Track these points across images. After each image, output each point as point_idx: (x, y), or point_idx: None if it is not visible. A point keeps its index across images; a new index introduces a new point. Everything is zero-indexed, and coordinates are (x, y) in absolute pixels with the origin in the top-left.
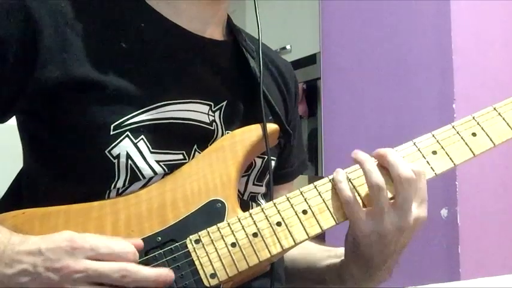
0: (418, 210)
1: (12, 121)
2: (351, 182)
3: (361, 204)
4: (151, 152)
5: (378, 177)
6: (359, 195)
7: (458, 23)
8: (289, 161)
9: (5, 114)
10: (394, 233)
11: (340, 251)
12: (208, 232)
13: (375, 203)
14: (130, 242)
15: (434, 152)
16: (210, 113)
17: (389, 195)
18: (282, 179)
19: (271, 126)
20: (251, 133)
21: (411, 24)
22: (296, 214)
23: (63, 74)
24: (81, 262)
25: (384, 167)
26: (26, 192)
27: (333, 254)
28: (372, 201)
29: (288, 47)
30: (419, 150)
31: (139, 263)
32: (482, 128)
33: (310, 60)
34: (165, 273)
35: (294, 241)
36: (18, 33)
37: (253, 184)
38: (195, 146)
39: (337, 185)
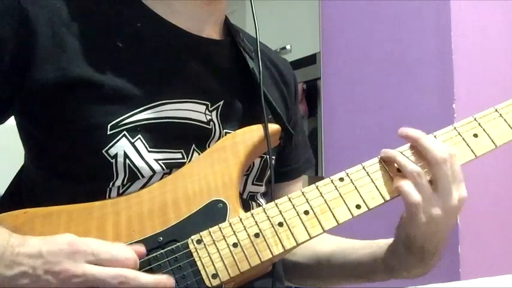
0: (459, 190)
1: (12, 121)
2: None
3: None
4: (149, 151)
5: (443, 151)
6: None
7: (458, 23)
8: (292, 158)
9: (3, 115)
10: (443, 216)
11: (382, 242)
12: (210, 232)
13: (438, 176)
14: (132, 247)
15: None
16: (207, 112)
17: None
18: (287, 176)
19: (273, 126)
20: (252, 133)
21: (411, 24)
22: (298, 215)
23: (59, 74)
24: (80, 266)
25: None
26: (26, 192)
27: (375, 246)
28: (434, 176)
29: (288, 47)
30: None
31: (140, 263)
32: (483, 129)
33: (310, 60)
34: (164, 280)
35: (296, 242)
36: (14, 34)
37: (253, 184)
38: (194, 146)
39: (403, 189)
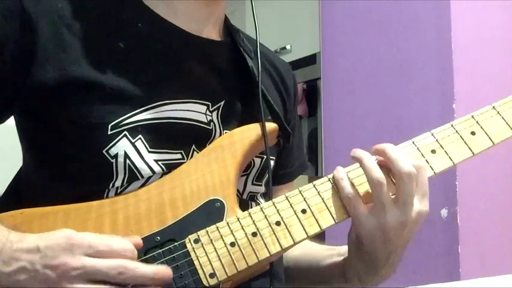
0: (420, 204)
1: (12, 121)
2: (351, 181)
3: (362, 201)
4: (149, 152)
5: (379, 173)
6: (359, 193)
7: (458, 23)
8: (288, 161)
9: (3, 115)
10: (397, 228)
11: (343, 249)
12: (207, 231)
13: (376, 198)
14: (130, 240)
15: (433, 151)
16: (208, 112)
17: (391, 191)
18: (281, 180)
19: (270, 125)
20: (250, 132)
21: (411, 24)
22: (295, 213)
23: (60, 74)
24: (78, 259)
25: (383, 164)
26: (25, 192)
27: (335, 253)
28: (373, 197)
29: (288, 47)
30: (418, 149)
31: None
32: (481, 127)
33: (310, 60)
34: (163, 270)
35: (293, 240)
36: (15, 34)
37: (252, 184)
38: (194, 146)
39: (338, 183)
